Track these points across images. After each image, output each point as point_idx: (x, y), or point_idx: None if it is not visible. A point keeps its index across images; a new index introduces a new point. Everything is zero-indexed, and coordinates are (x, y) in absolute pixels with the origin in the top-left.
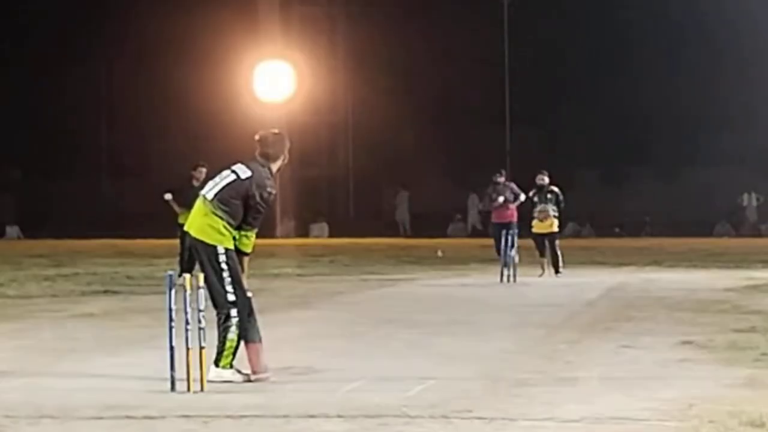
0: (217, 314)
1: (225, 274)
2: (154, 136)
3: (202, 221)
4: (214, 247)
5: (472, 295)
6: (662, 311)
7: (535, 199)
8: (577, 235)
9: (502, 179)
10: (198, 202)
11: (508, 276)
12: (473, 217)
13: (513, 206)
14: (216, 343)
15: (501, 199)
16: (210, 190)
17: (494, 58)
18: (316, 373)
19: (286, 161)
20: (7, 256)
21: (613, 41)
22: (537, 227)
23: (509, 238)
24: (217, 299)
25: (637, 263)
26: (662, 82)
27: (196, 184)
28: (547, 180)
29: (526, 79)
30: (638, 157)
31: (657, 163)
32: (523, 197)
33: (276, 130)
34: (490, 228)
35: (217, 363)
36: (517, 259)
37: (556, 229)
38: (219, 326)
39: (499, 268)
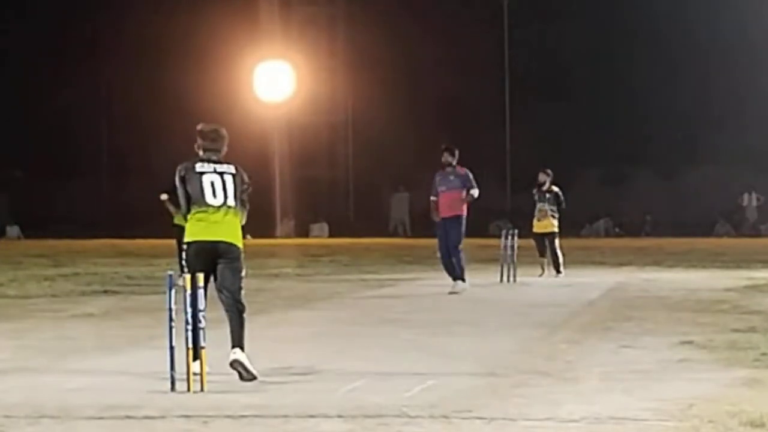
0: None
1: (242, 274)
2: (154, 136)
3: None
4: (240, 248)
5: (472, 295)
6: (662, 311)
7: (535, 197)
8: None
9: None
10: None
11: (508, 276)
12: None
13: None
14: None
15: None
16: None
17: (494, 59)
18: (316, 373)
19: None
20: (7, 256)
21: (612, 42)
22: (536, 227)
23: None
24: (231, 289)
25: (637, 263)
26: (662, 82)
27: None
28: (548, 179)
29: (526, 80)
30: (638, 157)
31: (657, 163)
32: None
33: (216, 126)
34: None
35: (243, 347)
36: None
37: (555, 228)
38: (231, 311)
39: (499, 268)
